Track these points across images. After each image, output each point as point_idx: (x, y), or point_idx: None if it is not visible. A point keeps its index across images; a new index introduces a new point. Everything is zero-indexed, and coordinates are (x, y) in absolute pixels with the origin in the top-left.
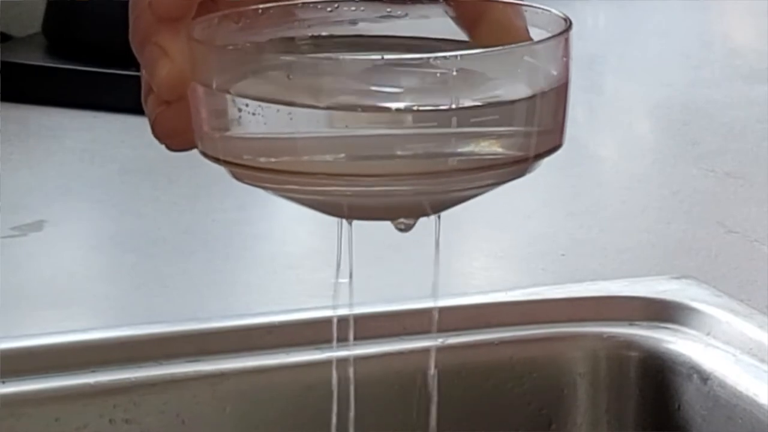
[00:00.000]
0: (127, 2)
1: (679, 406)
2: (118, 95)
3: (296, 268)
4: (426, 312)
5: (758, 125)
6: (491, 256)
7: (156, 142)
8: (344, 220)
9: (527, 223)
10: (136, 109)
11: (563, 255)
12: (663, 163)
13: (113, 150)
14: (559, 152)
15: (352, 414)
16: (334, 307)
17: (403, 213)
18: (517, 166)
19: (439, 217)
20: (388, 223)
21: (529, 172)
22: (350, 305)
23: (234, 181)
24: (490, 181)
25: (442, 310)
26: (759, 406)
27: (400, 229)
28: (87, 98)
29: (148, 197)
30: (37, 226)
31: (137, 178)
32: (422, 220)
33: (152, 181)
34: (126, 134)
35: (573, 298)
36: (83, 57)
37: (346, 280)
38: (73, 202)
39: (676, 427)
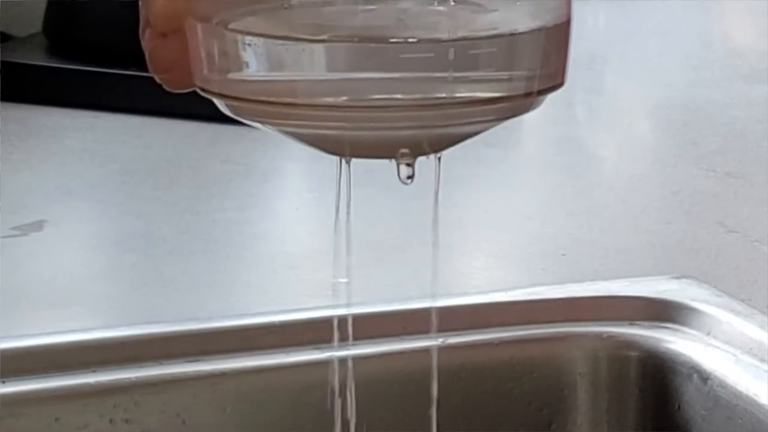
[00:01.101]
0: (127, 3)
1: (679, 406)
2: (119, 95)
3: (296, 268)
4: (426, 312)
5: (758, 125)
6: (491, 256)
7: (156, 141)
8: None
9: (527, 223)
10: (137, 109)
11: (563, 255)
12: (663, 163)
13: (114, 150)
14: (560, 152)
15: (349, 413)
16: (334, 306)
17: (403, 148)
18: (518, 102)
19: (438, 158)
20: (387, 224)
21: (532, 109)
22: (348, 305)
23: (234, 181)
24: (491, 117)
25: (443, 310)
26: (759, 406)
27: (404, 180)
28: (87, 98)
29: (149, 197)
30: (38, 225)
31: (138, 178)
32: (423, 218)
33: (153, 181)
34: (126, 134)
35: (573, 297)
36: (84, 57)
37: (347, 280)
38: (74, 202)
39: (677, 426)
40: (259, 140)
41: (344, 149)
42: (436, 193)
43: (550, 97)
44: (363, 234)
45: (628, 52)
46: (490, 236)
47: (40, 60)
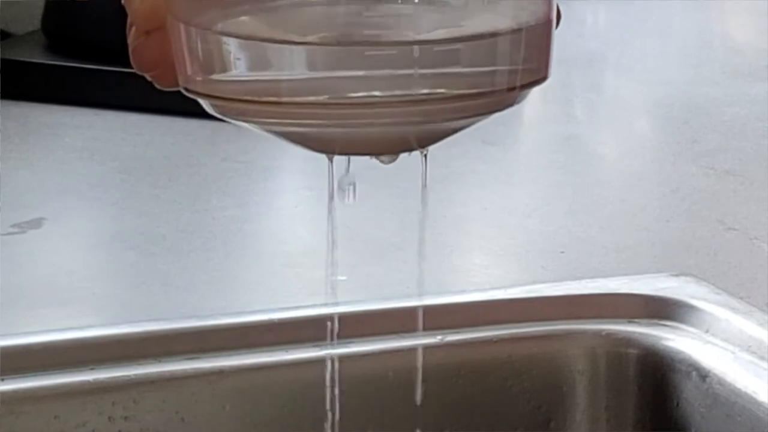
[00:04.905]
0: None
1: (677, 404)
2: (118, 93)
3: (296, 266)
4: (425, 309)
5: (758, 123)
6: (491, 253)
7: (156, 139)
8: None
9: (527, 220)
10: (136, 107)
11: (563, 253)
12: (663, 161)
13: (113, 148)
14: (560, 151)
15: (337, 411)
16: (329, 304)
17: (389, 145)
18: (502, 96)
19: (425, 155)
20: (386, 221)
21: (516, 103)
22: (336, 303)
23: (233, 179)
24: (475, 112)
25: (442, 308)
26: (758, 403)
27: (383, 161)
28: (87, 96)
29: (148, 195)
30: (37, 223)
31: (137, 175)
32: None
33: (152, 179)
34: (126, 132)
35: (572, 295)
36: (83, 54)
37: (345, 278)
38: (73, 200)
39: (675, 424)
40: (259, 138)
41: (329, 147)
42: (424, 187)
43: (550, 95)
44: (362, 232)
45: (627, 51)
46: (489, 234)
47: (39, 57)
